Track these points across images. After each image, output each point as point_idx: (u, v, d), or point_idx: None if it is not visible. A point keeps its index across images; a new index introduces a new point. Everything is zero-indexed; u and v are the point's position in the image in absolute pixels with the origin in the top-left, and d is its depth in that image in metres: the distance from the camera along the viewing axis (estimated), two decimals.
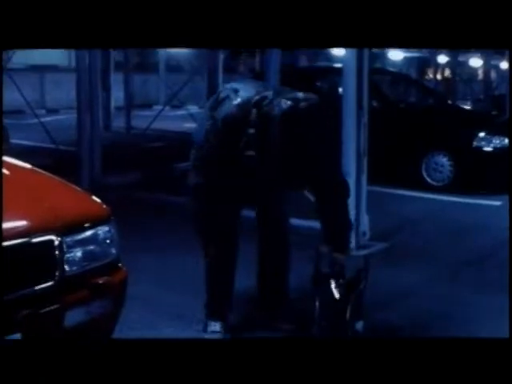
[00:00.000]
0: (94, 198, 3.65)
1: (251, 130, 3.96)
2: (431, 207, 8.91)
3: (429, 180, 9.98)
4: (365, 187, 6.76)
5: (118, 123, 17.70)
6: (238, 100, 4.10)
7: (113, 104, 18.11)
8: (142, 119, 17.12)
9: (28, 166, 3.82)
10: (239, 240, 4.44)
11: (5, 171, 3.40)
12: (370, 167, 6.83)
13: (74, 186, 3.71)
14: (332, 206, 4.26)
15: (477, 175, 9.65)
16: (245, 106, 4.06)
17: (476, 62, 34.02)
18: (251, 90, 4.18)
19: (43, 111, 21.92)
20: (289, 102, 3.95)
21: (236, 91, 4.18)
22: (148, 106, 25.12)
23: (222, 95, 4.26)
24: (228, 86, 4.35)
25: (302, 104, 3.99)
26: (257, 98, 4.06)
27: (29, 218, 3.17)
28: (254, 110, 4.00)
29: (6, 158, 3.68)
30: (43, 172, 3.74)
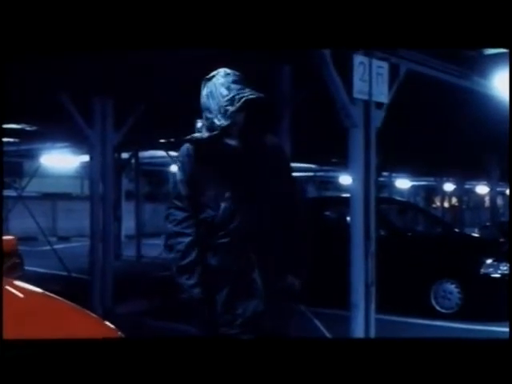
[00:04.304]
0: (107, 323, 3.69)
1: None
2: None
3: (438, 308, 9.96)
4: (373, 316, 6.72)
5: (129, 252, 17.83)
6: None
7: (123, 233, 18.33)
8: (152, 248, 17.23)
9: (40, 290, 3.89)
10: None
11: (18, 294, 3.49)
12: (379, 296, 6.82)
13: (86, 311, 3.77)
14: None
15: (485, 302, 9.61)
16: None
17: (482, 189, 34.43)
18: None
19: (54, 239, 22.15)
20: None
21: None
22: (158, 234, 25.34)
23: None
24: None
25: None
26: None
27: None
28: None
29: (19, 283, 3.78)
30: (57, 297, 3.81)
